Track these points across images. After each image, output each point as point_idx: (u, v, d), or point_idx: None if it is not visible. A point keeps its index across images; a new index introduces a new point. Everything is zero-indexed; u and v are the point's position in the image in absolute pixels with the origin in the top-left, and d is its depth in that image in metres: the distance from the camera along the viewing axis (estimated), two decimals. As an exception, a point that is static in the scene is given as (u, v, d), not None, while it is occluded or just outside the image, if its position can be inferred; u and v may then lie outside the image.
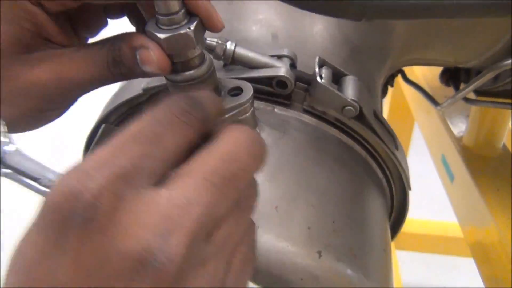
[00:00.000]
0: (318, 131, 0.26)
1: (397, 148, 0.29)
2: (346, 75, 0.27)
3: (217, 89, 0.22)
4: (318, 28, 0.30)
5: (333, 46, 0.30)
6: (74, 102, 0.22)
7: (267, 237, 0.21)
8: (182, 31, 0.18)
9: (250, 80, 0.25)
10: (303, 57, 0.27)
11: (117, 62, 0.20)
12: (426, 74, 0.61)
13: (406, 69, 0.52)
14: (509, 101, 0.45)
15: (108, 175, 0.14)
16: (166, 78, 0.21)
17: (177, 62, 0.19)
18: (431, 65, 0.45)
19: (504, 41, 0.36)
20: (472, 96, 0.47)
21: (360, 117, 0.26)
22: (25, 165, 0.17)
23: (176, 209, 0.14)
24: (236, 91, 0.22)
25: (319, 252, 0.21)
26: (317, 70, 0.25)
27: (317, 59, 0.25)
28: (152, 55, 0.19)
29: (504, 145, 0.54)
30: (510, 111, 0.53)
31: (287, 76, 0.24)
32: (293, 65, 0.26)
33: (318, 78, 0.25)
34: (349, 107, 0.25)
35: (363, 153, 0.28)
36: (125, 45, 0.20)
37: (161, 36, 0.18)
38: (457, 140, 0.56)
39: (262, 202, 0.22)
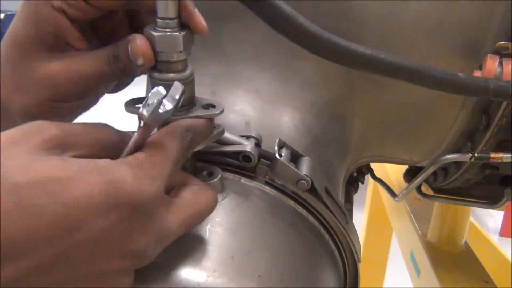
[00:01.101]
0: (277, 200, 0.31)
1: (347, 223, 0.33)
2: (302, 156, 0.32)
3: (192, 99, 0.26)
4: (285, 120, 0.37)
5: (296, 134, 0.36)
6: (84, 97, 0.26)
7: (222, 280, 0.24)
8: (174, 34, 0.24)
9: (221, 154, 0.30)
10: (269, 141, 0.33)
11: (116, 58, 0.24)
12: (396, 171, 0.67)
13: (378, 168, 0.57)
14: (463, 198, 0.50)
15: (158, 187, 0.20)
16: (150, 76, 0.25)
17: (162, 61, 0.24)
18: (392, 162, 0.51)
19: (447, 143, 0.42)
20: (431, 193, 0.53)
21: (312, 190, 0.31)
22: None
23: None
24: (210, 107, 0.27)
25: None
26: (276, 148, 0.30)
27: (277, 140, 0.31)
28: (139, 46, 0.23)
29: (466, 242, 0.58)
30: (469, 208, 0.58)
31: (252, 152, 0.30)
32: (258, 144, 0.31)
33: (277, 155, 0.30)
34: (302, 181, 0.30)
35: (317, 224, 0.32)
36: (122, 41, 0.24)
37: (155, 34, 0.24)
38: (423, 237, 0.60)
39: (221, 251, 0.26)
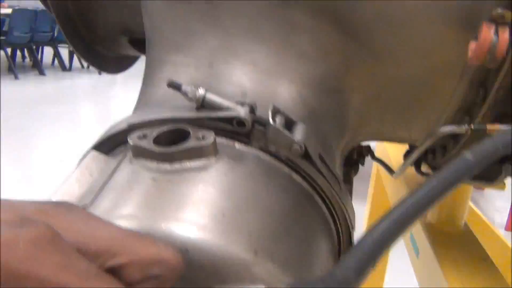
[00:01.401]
0: (271, 166, 0.31)
1: (341, 189, 0.34)
2: (297, 123, 0.33)
3: None
4: (281, 91, 0.37)
5: (293, 106, 0.37)
6: None
7: (212, 235, 0.25)
8: None
9: (215, 119, 0.31)
10: (265, 111, 0.33)
11: None
12: (397, 155, 0.68)
13: (380, 151, 0.57)
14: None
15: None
16: None
17: None
18: (392, 141, 0.51)
19: (445, 118, 0.42)
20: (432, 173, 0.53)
21: (306, 156, 0.31)
22: None
23: None
24: None
25: (255, 251, 0.25)
26: (270, 114, 0.31)
27: (271, 106, 0.31)
28: None
29: (466, 224, 0.58)
30: (469, 190, 0.58)
31: (245, 117, 0.30)
32: (252, 111, 0.32)
33: (270, 120, 0.30)
34: (295, 147, 0.31)
35: (310, 190, 0.32)
36: None
37: None
38: (423, 218, 0.60)
39: (213, 209, 0.26)
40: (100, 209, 0.26)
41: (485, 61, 0.31)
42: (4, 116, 4.00)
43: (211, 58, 0.37)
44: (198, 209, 0.26)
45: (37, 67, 6.03)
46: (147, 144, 0.29)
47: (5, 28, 5.55)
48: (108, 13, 0.46)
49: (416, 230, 0.60)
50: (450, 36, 0.36)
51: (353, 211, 0.37)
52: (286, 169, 0.32)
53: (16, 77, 5.45)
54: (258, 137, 0.32)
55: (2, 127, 3.60)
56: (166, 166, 0.28)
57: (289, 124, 0.32)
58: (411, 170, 0.68)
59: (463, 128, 0.37)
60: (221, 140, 0.31)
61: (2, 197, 0.21)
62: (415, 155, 0.42)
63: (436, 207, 0.58)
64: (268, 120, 0.30)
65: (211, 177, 0.28)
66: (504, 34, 0.31)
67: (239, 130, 0.31)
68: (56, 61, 6.55)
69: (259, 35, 0.37)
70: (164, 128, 0.30)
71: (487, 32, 0.31)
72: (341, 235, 0.35)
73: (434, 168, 0.52)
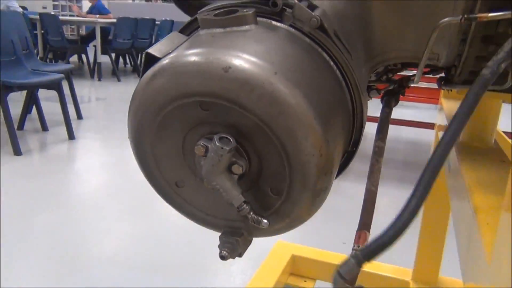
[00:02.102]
0: (297, 35, 0.43)
1: (352, 59, 0.44)
2: (318, 7, 0.44)
3: None
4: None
5: (320, 4, 0.48)
6: None
7: (246, 61, 0.37)
8: None
9: (257, 1, 0.44)
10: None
11: None
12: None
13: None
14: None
15: None
16: None
17: None
18: (417, 60, 0.59)
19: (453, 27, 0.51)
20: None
21: (322, 28, 0.43)
22: None
23: None
24: None
25: (275, 72, 0.37)
26: (295, -1, 0.43)
27: (297, -7, 0.43)
28: None
29: (496, 142, 0.64)
30: (499, 107, 0.64)
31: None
32: None
33: (296, 1, 0.42)
34: (313, 19, 0.42)
35: (326, 56, 0.44)
36: None
37: None
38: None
39: (250, 49, 0.39)
40: (177, 52, 0.40)
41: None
42: (108, 111, 4.48)
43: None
44: (240, 48, 0.39)
45: (137, 71, 6.62)
46: (209, 16, 0.42)
47: (110, 37, 6.19)
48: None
49: (450, 155, 0.68)
50: None
51: (366, 100, 0.48)
52: (307, 39, 0.43)
53: (118, 80, 6.05)
54: (288, 18, 0.44)
55: (108, 119, 4.05)
56: (221, 29, 0.42)
57: (312, 7, 0.44)
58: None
59: (458, 18, 0.46)
60: (261, 19, 0.44)
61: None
62: (426, 54, 0.51)
63: (469, 124, 0.65)
64: (295, 2, 0.43)
65: (252, 34, 0.41)
66: None
67: (273, 9, 0.43)
68: (153, 66, 7.12)
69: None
70: (221, 9, 0.44)
71: None
72: (354, 98, 0.46)
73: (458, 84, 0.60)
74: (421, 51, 0.57)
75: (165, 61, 0.40)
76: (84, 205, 2.25)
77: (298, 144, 0.38)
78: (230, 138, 0.39)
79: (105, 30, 6.31)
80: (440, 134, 1.01)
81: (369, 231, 0.60)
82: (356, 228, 0.59)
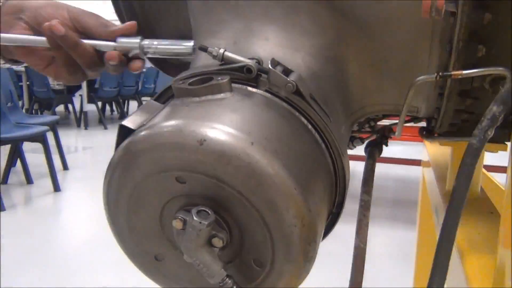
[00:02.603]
0: (272, 100, 0.43)
1: (330, 122, 0.44)
2: (293, 71, 0.44)
3: None
4: (287, 58, 0.48)
5: (296, 68, 0.48)
6: None
7: (221, 132, 0.36)
8: None
9: (230, 69, 0.43)
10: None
11: None
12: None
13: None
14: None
15: None
16: None
17: None
18: (397, 112, 0.59)
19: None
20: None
21: (298, 93, 0.42)
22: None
23: None
24: None
25: (252, 142, 0.36)
26: (270, 63, 0.42)
27: (271, 60, 0.43)
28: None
29: (482, 189, 0.64)
30: (482, 155, 0.64)
31: (252, 65, 0.42)
32: (258, 63, 0.44)
33: (270, 66, 0.42)
34: (289, 84, 0.42)
35: (304, 120, 0.43)
36: None
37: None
38: (443, 189, 0.67)
39: (225, 119, 0.38)
40: (152, 123, 0.39)
41: (432, 14, 0.41)
42: (95, 160, 4.44)
43: (235, 38, 0.50)
44: (215, 119, 0.38)
45: (123, 118, 6.63)
46: (183, 85, 0.42)
47: (96, 85, 6.24)
48: (168, 16, 0.61)
49: (439, 202, 0.67)
50: (415, 5, 0.46)
51: (348, 160, 0.47)
52: (284, 104, 0.43)
53: (105, 127, 6.04)
54: (264, 83, 0.43)
55: (94, 169, 4.00)
56: (196, 98, 0.41)
57: (286, 72, 0.44)
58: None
59: (433, 76, 0.46)
60: (236, 85, 0.43)
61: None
62: (404, 111, 0.51)
63: (452, 175, 0.64)
64: (269, 68, 0.42)
65: (227, 103, 0.40)
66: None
67: (248, 76, 0.43)
68: (139, 113, 7.16)
69: (270, 18, 0.49)
70: (196, 77, 0.43)
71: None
72: (335, 160, 0.45)
73: (439, 135, 0.60)
74: (401, 104, 0.57)
75: (138, 135, 0.39)
76: (71, 261, 2.18)
77: (279, 216, 0.37)
78: (209, 211, 0.38)
79: (90, 79, 6.35)
80: (426, 171, 1.01)
81: (360, 289, 0.58)
82: (347, 273, 0.58)
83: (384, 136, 0.73)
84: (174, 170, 0.38)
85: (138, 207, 0.42)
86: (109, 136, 5.62)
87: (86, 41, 0.47)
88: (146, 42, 0.48)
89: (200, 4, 0.53)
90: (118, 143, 0.42)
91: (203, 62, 0.48)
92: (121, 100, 6.59)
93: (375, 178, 0.65)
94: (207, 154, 0.36)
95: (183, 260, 0.42)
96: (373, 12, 0.48)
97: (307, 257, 0.39)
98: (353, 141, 0.78)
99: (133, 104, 7.42)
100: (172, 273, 0.45)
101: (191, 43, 0.46)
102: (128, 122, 0.42)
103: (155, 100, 0.46)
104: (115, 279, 1.97)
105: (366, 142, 0.76)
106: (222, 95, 0.41)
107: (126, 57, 0.48)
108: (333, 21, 0.49)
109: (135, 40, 0.48)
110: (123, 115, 6.69)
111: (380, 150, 0.74)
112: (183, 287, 0.45)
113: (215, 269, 0.39)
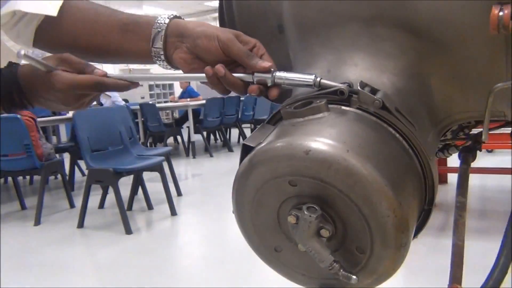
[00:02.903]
0: (363, 116, 0.51)
1: (415, 129, 0.51)
2: (379, 90, 0.52)
3: None
4: (375, 79, 0.57)
5: (383, 87, 0.56)
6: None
7: (322, 143, 0.46)
8: None
9: (327, 93, 0.53)
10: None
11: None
12: None
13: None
14: None
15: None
16: None
17: None
18: (482, 118, 0.64)
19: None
20: None
21: (384, 108, 0.51)
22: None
23: None
24: None
25: (347, 150, 0.46)
26: (358, 85, 0.52)
27: (359, 82, 0.52)
28: None
29: None
30: None
31: (344, 88, 0.52)
32: (349, 86, 0.53)
33: (359, 87, 0.51)
34: (376, 101, 0.51)
35: (392, 130, 0.51)
36: None
37: None
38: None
39: (325, 133, 0.48)
40: (268, 140, 0.51)
41: (500, 29, 0.47)
42: (204, 186, 4.76)
43: (328, 67, 0.60)
44: (317, 133, 0.48)
45: (227, 145, 7.02)
46: (290, 109, 0.53)
47: (201, 117, 6.71)
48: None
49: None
50: (486, 22, 0.52)
51: (435, 164, 0.54)
52: (373, 118, 0.52)
53: (211, 155, 6.45)
54: (355, 102, 0.53)
55: (204, 194, 4.30)
56: (300, 119, 0.52)
57: (373, 91, 0.52)
58: None
59: (509, 83, 0.51)
60: (332, 106, 0.53)
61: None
62: (487, 117, 0.56)
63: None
64: (358, 89, 0.52)
65: (326, 121, 0.50)
66: (506, 10, 0.47)
67: (341, 97, 0.52)
68: (241, 139, 7.54)
69: (358, 47, 0.59)
70: (299, 102, 0.54)
71: (495, 10, 0.47)
72: (423, 165, 0.52)
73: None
74: (485, 110, 0.62)
75: (257, 150, 0.50)
76: (190, 277, 2.39)
77: (374, 208, 0.45)
78: (316, 207, 0.47)
79: (196, 111, 6.86)
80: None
81: (460, 285, 0.63)
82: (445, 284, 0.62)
83: (477, 141, 0.77)
84: (287, 175, 0.48)
85: (260, 208, 0.53)
86: (215, 163, 5.99)
87: (235, 75, 0.59)
88: (277, 74, 0.58)
89: (298, 42, 0.64)
90: (241, 159, 0.54)
91: (303, 90, 0.59)
92: (223, 129, 7.00)
93: (488, 191, 0.69)
94: (312, 161, 0.46)
95: (298, 250, 0.52)
96: (449, 31, 0.55)
97: (401, 243, 0.47)
98: (448, 149, 0.83)
99: (234, 132, 7.83)
100: (289, 262, 0.55)
101: (312, 76, 0.55)
102: (248, 141, 0.53)
103: (267, 123, 0.58)
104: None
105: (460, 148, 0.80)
106: (321, 115, 0.51)
107: (264, 86, 0.59)
108: (413, 43, 0.57)
109: (268, 75, 0.58)
110: (226, 142, 7.07)
111: (474, 156, 0.78)
112: (298, 273, 0.55)
113: (324, 255, 0.48)
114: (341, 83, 0.54)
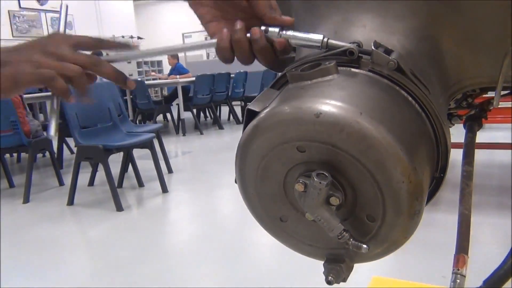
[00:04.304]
0: (375, 78, 0.49)
1: (430, 94, 0.49)
2: (393, 50, 0.50)
3: None
4: (384, 40, 0.54)
5: (393, 49, 0.53)
6: None
7: (333, 106, 0.43)
8: None
9: (335, 53, 0.50)
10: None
11: None
12: None
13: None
14: None
15: None
16: None
17: None
18: (495, 85, 0.62)
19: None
20: None
21: (399, 70, 0.48)
22: None
23: None
24: None
25: (360, 113, 0.43)
26: (372, 45, 0.49)
27: (373, 42, 0.49)
28: None
29: None
30: None
31: (354, 47, 0.49)
32: (359, 46, 0.50)
33: (373, 47, 0.48)
34: (391, 62, 0.48)
35: (405, 94, 0.49)
36: None
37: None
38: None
39: (335, 95, 0.45)
40: (274, 104, 0.48)
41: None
42: (195, 163, 4.73)
43: (335, 29, 0.57)
44: (327, 96, 0.45)
45: (217, 123, 6.97)
46: (296, 72, 0.50)
47: (190, 94, 6.63)
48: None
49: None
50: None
51: (448, 128, 0.51)
52: (385, 80, 0.49)
53: (201, 133, 6.40)
54: (365, 64, 0.50)
55: (195, 171, 4.29)
56: (308, 82, 0.49)
57: (388, 52, 0.50)
58: None
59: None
60: (341, 68, 0.50)
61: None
62: (500, 81, 0.54)
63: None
64: (372, 49, 0.49)
65: (335, 83, 0.47)
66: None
67: (350, 58, 0.49)
68: (231, 117, 7.48)
69: (366, 8, 0.55)
70: (306, 64, 0.51)
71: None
72: (436, 129, 0.50)
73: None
74: (497, 75, 0.60)
75: (264, 114, 0.47)
76: (181, 253, 2.38)
77: (388, 174, 0.43)
78: (326, 174, 0.45)
79: (185, 88, 6.77)
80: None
81: (467, 254, 0.62)
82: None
83: (483, 109, 0.75)
84: (295, 141, 0.45)
85: (265, 176, 0.50)
86: (205, 140, 5.95)
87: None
88: (285, 32, 0.54)
89: (301, 3, 0.60)
90: (245, 125, 0.51)
91: (308, 52, 0.56)
92: (213, 106, 6.93)
93: (478, 166, 0.67)
94: (323, 124, 0.43)
95: (304, 220, 0.50)
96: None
97: (414, 211, 0.45)
98: (451, 119, 0.81)
99: (224, 109, 7.76)
100: (295, 232, 0.53)
101: (320, 36, 0.52)
102: (253, 106, 0.50)
103: (271, 87, 0.55)
104: (215, 267, 2.13)
105: (464, 117, 0.78)
106: (330, 77, 0.48)
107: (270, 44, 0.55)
108: (424, 3, 0.54)
109: (276, 29, 0.54)
110: (216, 120, 7.02)
111: (480, 124, 0.76)
112: (304, 244, 0.53)
113: (334, 223, 0.46)
114: (350, 43, 0.51)
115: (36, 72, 0.50)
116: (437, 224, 2.24)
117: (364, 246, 0.46)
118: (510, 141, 3.12)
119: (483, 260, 1.81)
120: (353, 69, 0.50)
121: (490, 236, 2.04)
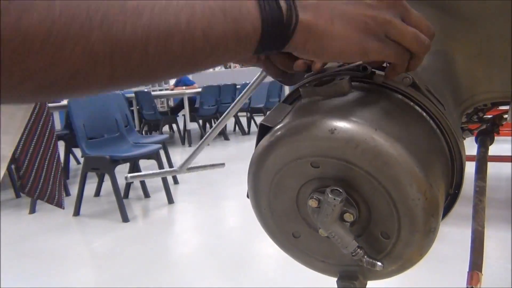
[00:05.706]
0: (387, 93, 0.49)
1: (444, 109, 0.48)
2: (406, 66, 0.49)
3: None
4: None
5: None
6: None
7: (347, 121, 0.43)
8: None
9: (347, 69, 0.50)
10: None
11: None
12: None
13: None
14: None
15: None
16: None
17: None
18: (506, 99, 0.62)
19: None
20: None
21: (414, 86, 0.48)
22: None
23: None
24: None
25: (375, 129, 0.43)
26: (386, 62, 0.49)
27: (386, 57, 0.49)
28: None
29: None
30: None
31: (366, 64, 0.49)
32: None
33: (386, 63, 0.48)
34: (406, 78, 0.48)
35: (419, 109, 0.48)
36: None
37: None
38: None
39: (349, 110, 0.45)
40: (288, 119, 0.47)
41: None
42: (201, 176, 4.73)
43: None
44: (342, 111, 0.45)
45: (223, 134, 6.98)
46: (310, 87, 0.50)
47: (196, 105, 6.66)
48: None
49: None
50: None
51: (463, 144, 0.51)
52: (399, 96, 0.49)
53: (207, 144, 6.40)
54: (378, 78, 0.50)
55: (201, 182, 4.28)
56: (322, 97, 0.49)
57: (400, 68, 0.49)
58: None
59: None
60: (355, 83, 0.50)
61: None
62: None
63: None
64: (386, 65, 0.48)
65: (350, 98, 0.47)
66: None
67: (364, 73, 0.49)
68: (237, 128, 7.49)
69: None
70: (318, 78, 0.51)
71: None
72: (451, 146, 0.49)
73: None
74: (509, 91, 0.59)
75: (277, 130, 0.47)
76: (187, 265, 2.37)
77: (404, 191, 0.42)
78: (341, 190, 0.45)
79: (191, 99, 6.80)
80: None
81: (481, 271, 0.61)
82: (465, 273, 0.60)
83: (495, 124, 0.75)
84: (309, 156, 0.45)
85: (278, 191, 0.50)
86: (210, 151, 5.96)
87: None
88: None
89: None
90: (258, 140, 0.51)
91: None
92: (219, 117, 6.93)
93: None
94: (338, 140, 0.43)
95: (317, 236, 0.49)
96: (475, 6, 0.52)
97: (430, 228, 0.44)
98: (462, 133, 0.80)
99: (230, 120, 7.77)
100: (308, 248, 0.52)
101: None
102: (266, 121, 0.50)
103: (283, 102, 0.55)
104: (221, 279, 2.11)
105: (476, 132, 0.78)
106: (344, 92, 0.48)
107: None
108: (438, 17, 0.54)
109: None
110: (222, 130, 7.03)
111: (492, 139, 0.75)
112: (317, 260, 0.52)
113: (348, 240, 0.46)
114: (364, 59, 0.50)
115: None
116: (444, 238, 2.22)
117: (379, 263, 0.46)
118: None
119: (492, 274, 1.79)
120: (366, 85, 0.50)
121: (499, 251, 2.01)
